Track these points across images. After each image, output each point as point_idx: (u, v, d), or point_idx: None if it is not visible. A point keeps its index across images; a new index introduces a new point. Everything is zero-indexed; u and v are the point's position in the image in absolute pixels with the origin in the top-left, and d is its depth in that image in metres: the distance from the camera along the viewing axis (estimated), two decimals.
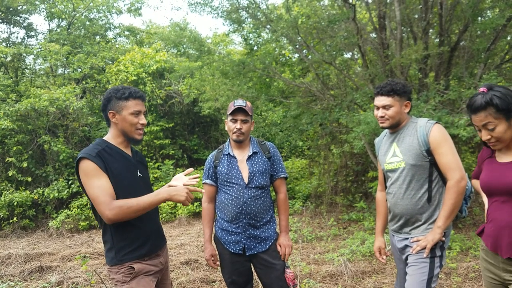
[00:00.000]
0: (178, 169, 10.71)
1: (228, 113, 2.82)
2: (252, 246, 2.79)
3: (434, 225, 2.41)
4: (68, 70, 12.23)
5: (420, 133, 2.45)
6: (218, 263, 2.95)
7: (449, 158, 2.37)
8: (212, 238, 2.98)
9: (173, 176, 10.74)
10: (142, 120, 2.34)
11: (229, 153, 2.88)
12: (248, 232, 2.78)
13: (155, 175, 9.97)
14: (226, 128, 2.88)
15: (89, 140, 10.20)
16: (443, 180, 2.45)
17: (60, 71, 12.51)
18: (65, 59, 11.60)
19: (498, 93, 1.92)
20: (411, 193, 2.48)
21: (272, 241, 2.84)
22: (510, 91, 1.94)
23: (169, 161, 10.56)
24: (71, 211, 8.60)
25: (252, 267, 2.90)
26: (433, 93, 5.56)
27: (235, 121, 2.79)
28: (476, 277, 4.32)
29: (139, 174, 2.38)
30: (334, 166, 8.98)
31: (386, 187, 2.70)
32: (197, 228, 8.12)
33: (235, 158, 2.85)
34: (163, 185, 2.42)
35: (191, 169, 2.44)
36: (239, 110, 2.77)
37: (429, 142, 2.41)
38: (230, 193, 2.78)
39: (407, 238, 2.54)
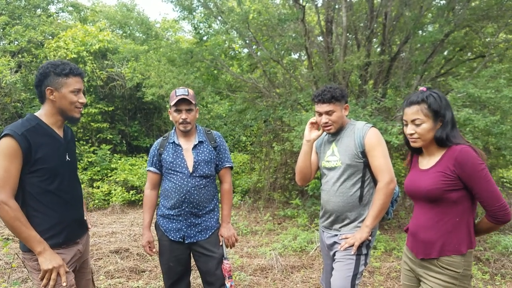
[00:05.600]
0: (115, 154, 10.34)
1: (171, 104, 2.77)
2: (192, 235, 2.79)
3: (363, 224, 2.53)
4: (3, 42, 11.39)
5: (357, 135, 2.57)
6: (154, 250, 2.92)
7: (381, 161, 2.51)
8: (153, 225, 2.95)
9: (109, 162, 10.11)
10: (82, 98, 2.24)
11: (174, 142, 2.85)
12: (189, 221, 2.78)
13: (89, 159, 9.53)
14: (171, 119, 2.84)
15: (21, 117, 9.47)
16: (375, 182, 2.58)
17: None
18: (1, 30, 10.78)
19: (435, 94, 2.09)
20: (344, 191, 2.59)
21: (213, 230, 2.86)
22: (444, 97, 2.11)
23: (106, 146, 10.13)
24: None
25: (192, 256, 2.90)
26: (371, 100, 5.80)
27: (179, 111, 2.76)
28: (397, 276, 4.58)
29: (67, 158, 2.27)
30: (274, 163, 9.10)
31: (321, 184, 2.80)
32: (131, 216, 7.90)
33: (180, 146, 2.83)
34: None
35: None
36: (182, 100, 2.74)
37: (364, 144, 2.54)
38: (174, 181, 2.77)
39: (336, 235, 2.65)
